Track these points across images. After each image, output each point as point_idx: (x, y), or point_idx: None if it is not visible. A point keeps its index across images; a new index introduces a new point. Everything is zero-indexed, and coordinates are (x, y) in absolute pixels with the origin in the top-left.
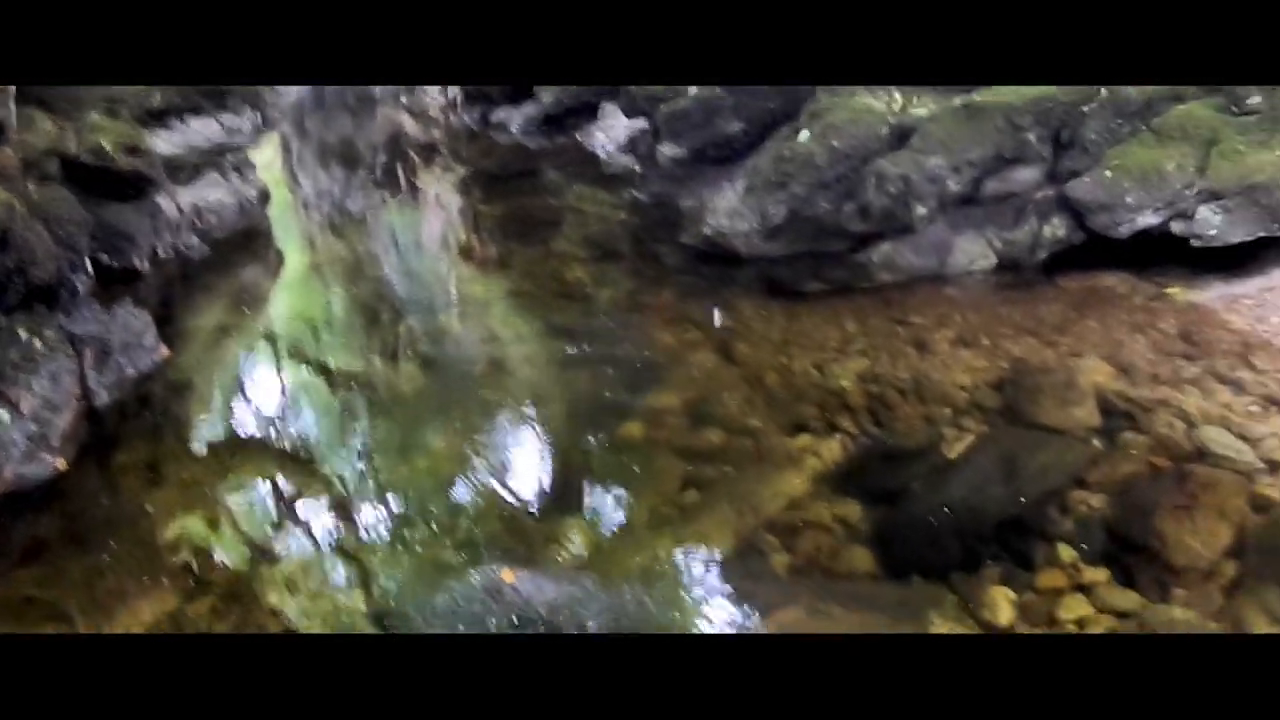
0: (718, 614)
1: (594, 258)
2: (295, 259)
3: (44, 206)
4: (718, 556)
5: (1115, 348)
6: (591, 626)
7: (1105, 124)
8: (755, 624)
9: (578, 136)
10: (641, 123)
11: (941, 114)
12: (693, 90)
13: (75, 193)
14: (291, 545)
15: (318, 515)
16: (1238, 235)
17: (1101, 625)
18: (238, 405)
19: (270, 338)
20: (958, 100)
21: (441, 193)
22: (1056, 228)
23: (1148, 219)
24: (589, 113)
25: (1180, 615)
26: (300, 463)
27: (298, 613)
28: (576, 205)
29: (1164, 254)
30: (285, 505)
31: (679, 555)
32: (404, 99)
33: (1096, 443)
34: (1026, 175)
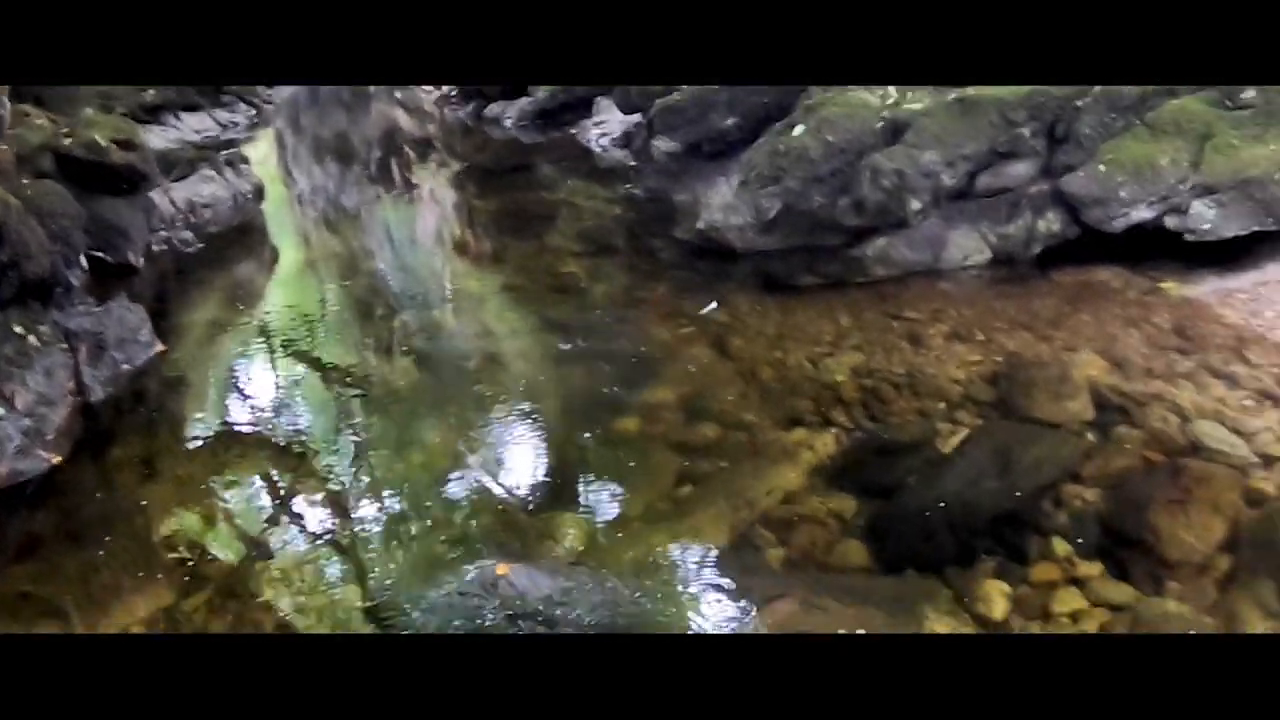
0: (713, 608)
1: (588, 253)
2: (290, 254)
3: (38, 201)
4: (713, 551)
5: (1109, 342)
6: (587, 621)
7: (1099, 118)
8: (750, 617)
9: (572, 131)
10: (636, 117)
11: (936, 109)
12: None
13: (70, 188)
14: (286, 540)
15: (312, 510)
16: (1231, 229)
17: (1095, 618)
18: (233, 400)
19: (265, 333)
20: (952, 95)
21: (436, 188)
22: (1051, 222)
23: (1142, 213)
24: (583, 108)
25: (1174, 609)
26: (295, 457)
27: (293, 608)
28: (571, 200)
29: (1158, 248)
30: (280, 500)
31: (674, 549)
32: (398, 94)
33: (1090, 437)
34: (1021, 170)
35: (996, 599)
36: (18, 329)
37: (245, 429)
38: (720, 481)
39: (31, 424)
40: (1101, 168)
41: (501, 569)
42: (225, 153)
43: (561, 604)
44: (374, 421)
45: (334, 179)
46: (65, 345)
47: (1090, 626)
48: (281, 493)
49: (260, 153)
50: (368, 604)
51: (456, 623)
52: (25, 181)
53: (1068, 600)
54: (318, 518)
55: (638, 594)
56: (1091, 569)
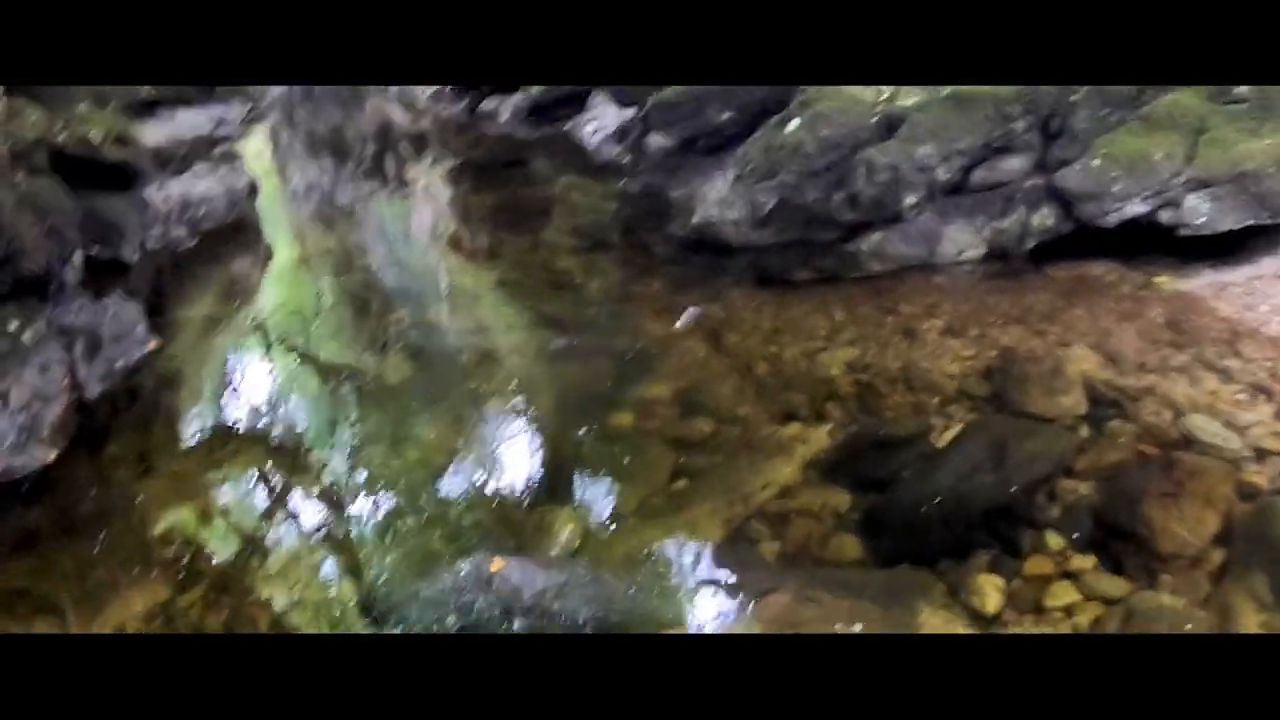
0: (708, 602)
1: (583, 248)
2: (284, 250)
3: (32, 197)
4: (707, 545)
5: (1103, 336)
6: (581, 616)
7: (1094, 113)
8: (745, 611)
9: (567, 127)
10: (631, 113)
11: (930, 103)
12: None
13: (64, 184)
14: (282, 536)
15: (307, 506)
16: (1226, 223)
17: (1089, 612)
18: (228, 397)
19: (260, 329)
20: (946, 90)
21: (431, 183)
22: (1045, 217)
23: (1136, 208)
24: (578, 103)
25: (1167, 602)
26: (290, 454)
27: (288, 603)
28: (566, 195)
29: (1152, 243)
30: (275, 496)
31: (669, 544)
32: (392, 90)
33: (1084, 431)
34: (1015, 164)
35: (990, 592)
36: (12, 325)
37: (240, 425)
38: (715, 476)
39: (27, 420)
40: (1096, 162)
41: (496, 564)
42: (220, 148)
43: (556, 599)
44: (369, 417)
45: (328, 175)
46: (60, 341)
47: (1084, 620)
48: (276, 488)
49: (255, 148)
50: (362, 599)
51: (451, 617)
52: (19, 177)
53: (1061, 593)
54: (313, 513)
55: (632, 588)
56: (1085, 562)
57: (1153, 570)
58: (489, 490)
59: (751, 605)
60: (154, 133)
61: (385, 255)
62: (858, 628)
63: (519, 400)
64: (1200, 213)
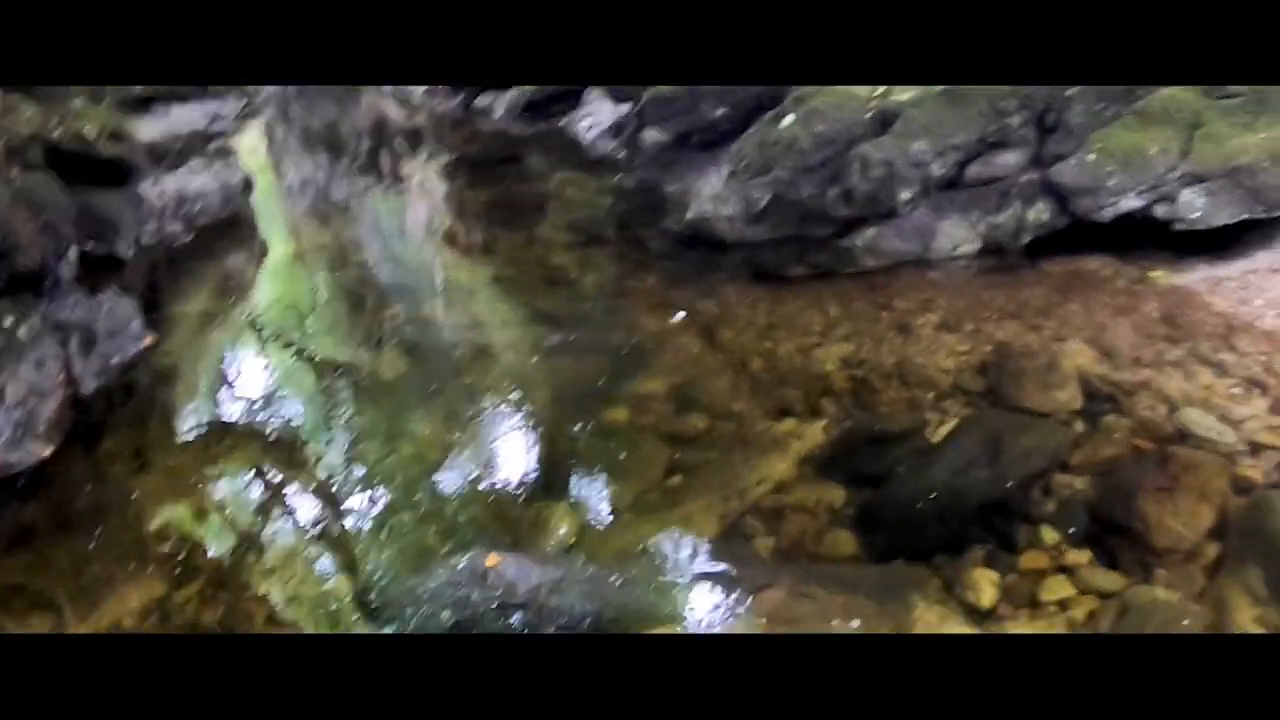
0: (702, 597)
1: (578, 243)
2: (279, 246)
3: (27, 193)
4: (702, 540)
5: (1098, 331)
6: (577, 611)
7: (1089, 107)
8: (739, 606)
9: (561, 122)
10: (625, 108)
11: (925, 99)
12: None
13: (59, 179)
14: (277, 531)
15: (303, 501)
16: (1221, 218)
17: (1084, 606)
18: (223, 392)
19: (255, 325)
20: (941, 85)
21: (425, 179)
22: (1040, 211)
23: (1131, 202)
24: (572, 99)
25: (1162, 596)
26: (286, 449)
27: (284, 598)
28: (561, 191)
29: (1147, 237)
30: (271, 491)
31: (664, 539)
32: (387, 87)
33: (1079, 425)
34: (1010, 159)
35: (985, 587)
36: (7, 321)
37: (236, 420)
38: (710, 471)
39: (22, 416)
40: (1091, 157)
41: (491, 559)
42: (215, 144)
43: (552, 594)
44: (364, 412)
45: (323, 170)
46: (56, 337)
47: (1079, 614)
48: (272, 484)
49: (250, 144)
50: (358, 595)
51: (446, 612)
52: (14, 173)
53: (1056, 588)
54: (308, 509)
55: (627, 584)
56: (1080, 557)
57: (1148, 564)
58: (484, 486)
59: (746, 600)
60: (149, 128)
61: (380, 251)
62: (856, 624)
63: (514, 396)
64: (1195, 207)
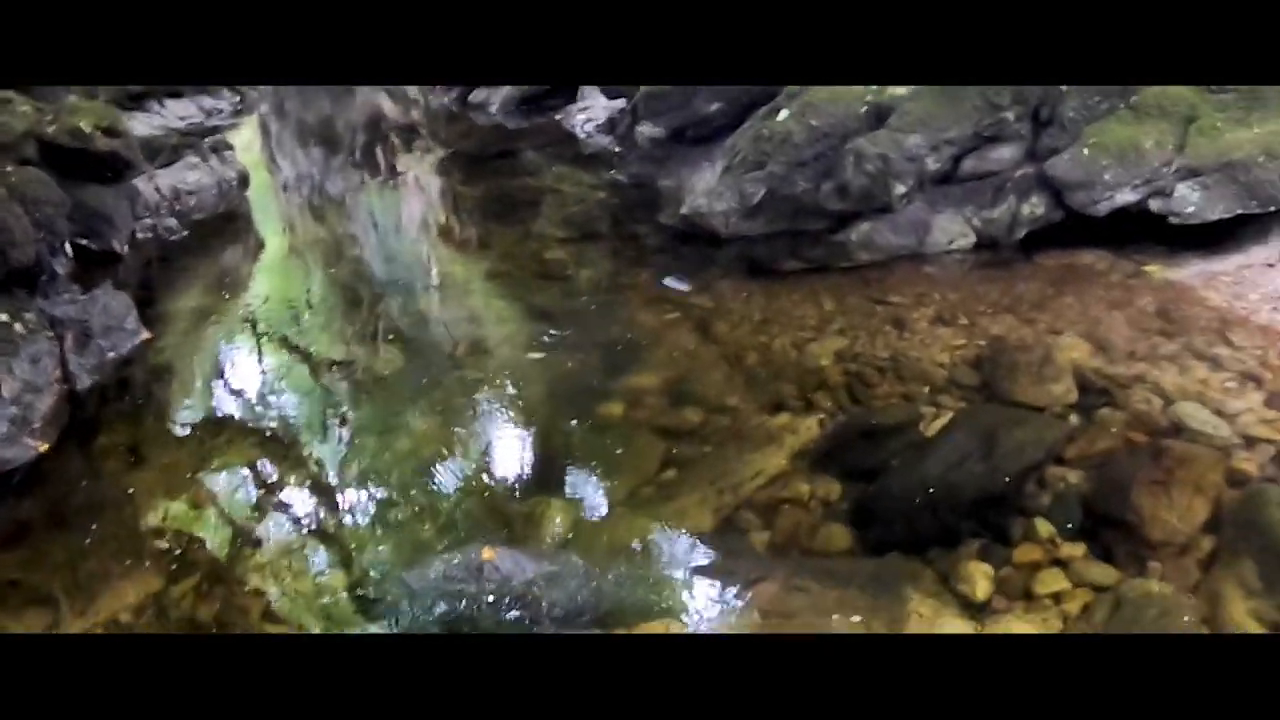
0: (697, 591)
1: (573, 238)
2: (275, 241)
3: (22, 189)
4: (697, 534)
5: (1093, 325)
6: (572, 604)
7: (1083, 101)
8: (734, 600)
9: (556, 117)
10: (620, 103)
11: (920, 93)
12: None
13: (53, 175)
14: (273, 526)
15: (299, 497)
16: (1216, 212)
17: (1078, 599)
18: (219, 388)
19: (250, 320)
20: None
21: (421, 174)
22: (1035, 206)
23: (1126, 196)
24: (568, 93)
25: (1157, 589)
26: (281, 444)
27: (280, 593)
28: (555, 186)
29: (1142, 231)
30: (267, 487)
31: (658, 533)
32: None
33: (1074, 419)
34: (1005, 153)
35: (980, 580)
36: (3, 317)
37: (231, 416)
38: (704, 466)
39: (18, 412)
40: (1086, 151)
41: (487, 553)
42: (210, 139)
43: (547, 588)
44: (360, 408)
45: (319, 165)
46: (51, 333)
47: (1073, 607)
48: (268, 480)
49: (245, 139)
50: (354, 589)
51: (442, 606)
52: (9, 169)
53: (1051, 581)
54: (304, 504)
55: (622, 578)
56: (1074, 550)
57: (1142, 557)
58: (480, 480)
59: (741, 594)
60: (144, 124)
61: (376, 246)
62: (856, 619)
63: (509, 390)
64: (1190, 201)
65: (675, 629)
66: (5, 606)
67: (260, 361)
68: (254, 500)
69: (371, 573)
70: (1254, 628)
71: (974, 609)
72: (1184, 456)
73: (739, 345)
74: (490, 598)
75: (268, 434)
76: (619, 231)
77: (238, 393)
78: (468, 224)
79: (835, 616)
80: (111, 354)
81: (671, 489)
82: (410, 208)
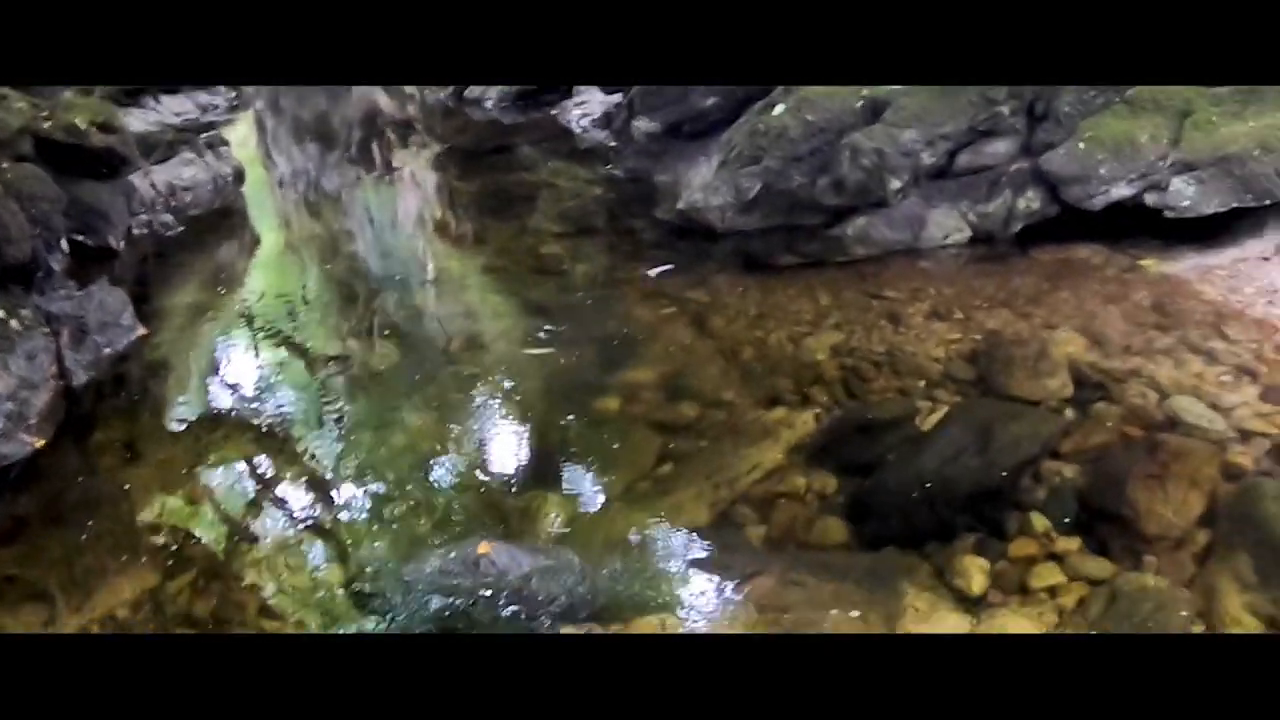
0: (693, 585)
1: (569, 233)
2: (271, 237)
3: (18, 185)
4: (693, 529)
5: (1088, 319)
6: (567, 599)
7: (1079, 96)
8: (730, 594)
9: (552, 112)
10: (616, 98)
11: (915, 88)
12: None
13: (49, 171)
14: (269, 522)
15: (295, 492)
16: (1211, 206)
17: (1074, 593)
18: (215, 384)
19: (247, 316)
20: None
21: (417, 169)
22: (1030, 200)
23: (1121, 191)
24: (564, 89)
25: (1152, 583)
26: (277, 440)
27: (276, 589)
28: (551, 181)
29: (1137, 226)
30: (263, 482)
31: (655, 528)
32: None
33: (1069, 413)
34: (1000, 148)
35: (975, 574)
36: None
37: (228, 412)
38: (701, 460)
39: (14, 408)
40: (1081, 145)
41: (483, 547)
42: (205, 135)
43: (542, 582)
44: (356, 404)
45: (314, 161)
46: (47, 329)
47: (1068, 601)
48: (264, 475)
49: (240, 135)
50: (350, 584)
51: (437, 600)
52: (4, 165)
53: (1046, 575)
54: (300, 500)
55: (618, 572)
56: (1070, 544)
57: (1137, 551)
58: (476, 475)
59: (737, 588)
60: (139, 119)
61: (371, 242)
62: (855, 614)
63: (505, 386)
64: (1185, 196)
65: (671, 623)
66: (2, 602)
67: (256, 357)
68: (250, 495)
69: (368, 567)
70: (1249, 621)
71: (970, 603)
72: (1179, 450)
73: (735, 340)
74: (486, 592)
75: (264, 429)
76: (615, 227)
77: (234, 388)
78: (463, 219)
79: (833, 611)
80: (108, 350)
81: (668, 483)
82: (406, 203)
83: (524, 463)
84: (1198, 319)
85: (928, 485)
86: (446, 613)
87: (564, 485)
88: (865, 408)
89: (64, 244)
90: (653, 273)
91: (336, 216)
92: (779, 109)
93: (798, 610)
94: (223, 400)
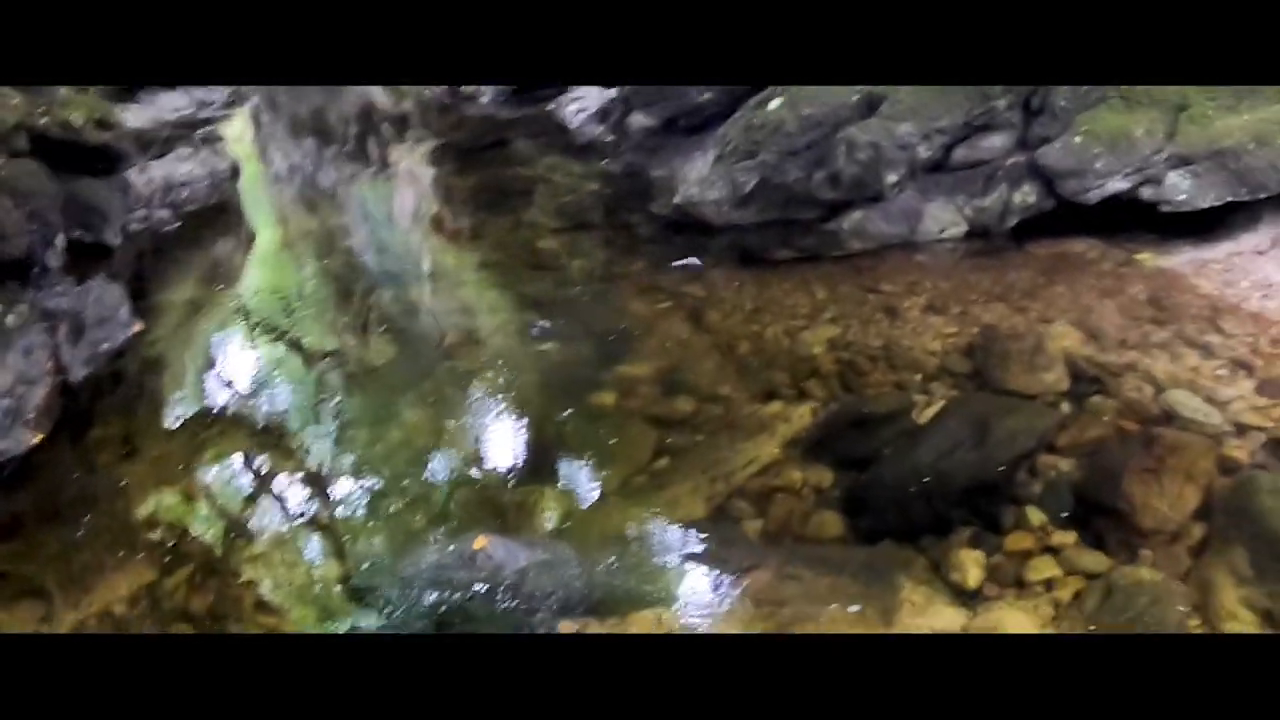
0: (690, 579)
1: (565, 228)
2: (267, 233)
3: (14, 181)
4: (689, 523)
5: (1084, 313)
6: (564, 593)
7: (1075, 90)
8: (727, 588)
9: (548, 107)
10: (612, 93)
11: None
12: None
13: (45, 168)
14: (266, 518)
15: (292, 488)
16: (1206, 200)
17: (1070, 586)
18: (211, 380)
19: (243, 312)
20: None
21: (413, 165)
22: (1026, 194)
23: (1117, 185)
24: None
25: (1148, 576)
26: (274, 436)
27: (273, 585)
28: (548, 176)
29: (1133, 220)
30: (259, 478)
31: (651, 522)
32: None
33: (1065, 407)
34: (996, 142)
35: (971, 568)
36: None
37: (224, 408)
38: (697, 454)
39: (11, 403)
40: (1077, 139)
41: (479, 542)
42: (202, 131)
43: (539, 576)
44: (352, 399)
45: (311, 157)
46: (44, 325)
47: (1064, 594)
48: (260, 471)
49: (237, 130)
50: (347, 579)
51: (434, 595)
52: (1, 161)
53: (1042, 568)
54: (297, 495)
55: (615, 566)
56: (1066, 537)
57: (1133, 545)
58: (472, 470)
59: (733, 582)
60: (136, 115)
61: (368, 237)
62: (854, 609)
63: (501, 380)
64: (1181, 190)
65: (668, 618)
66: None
67: (253, 353)
68: (247, 491)
69: (364, 563)
70: (1245, 615)
71: (966, 596)
72: (1175, 444)
73: (731, 334)
74: (483, 586)
75: (260, 425)
76: (611, 221)
77: (230, 384)
78: (460, 214)
79: (830, 605)
80: (104, 346)
81: (664, 477)
82: (402, 198)
83: (520, 457)
84: (1193, 313)
85: (924, 479)
86: (443, 607)
87: (560, 480)
88: (861, 402)
89: (61, 240)
90: (679, 264)
91: (332, 212)
92: (775, 103)
93: (794, 604)
94: (219, 396)
